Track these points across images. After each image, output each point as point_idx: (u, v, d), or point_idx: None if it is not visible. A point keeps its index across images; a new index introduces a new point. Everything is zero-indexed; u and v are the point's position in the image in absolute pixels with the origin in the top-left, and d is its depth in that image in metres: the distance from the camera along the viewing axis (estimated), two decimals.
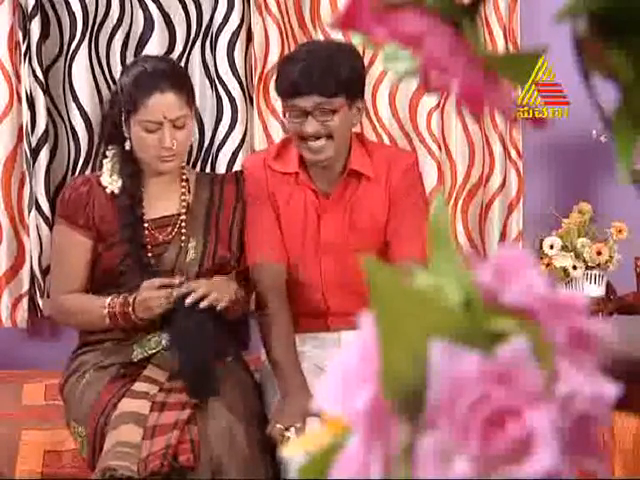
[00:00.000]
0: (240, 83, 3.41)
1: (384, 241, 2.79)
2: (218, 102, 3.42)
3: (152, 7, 3.40)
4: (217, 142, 3.44)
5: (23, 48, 3.30)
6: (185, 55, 3.45)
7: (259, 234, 2.78)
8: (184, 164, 2.84)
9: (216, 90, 3.42)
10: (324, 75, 2.62)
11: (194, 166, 3.37)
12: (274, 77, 2.79)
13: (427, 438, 0.54)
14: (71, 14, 3.36)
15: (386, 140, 3.46)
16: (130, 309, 2.60)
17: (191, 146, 2.88)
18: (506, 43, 3.49)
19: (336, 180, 2.78)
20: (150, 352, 2.66)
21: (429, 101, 3.43)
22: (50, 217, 3.29)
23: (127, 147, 2.69)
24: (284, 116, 2.71)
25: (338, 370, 0.58)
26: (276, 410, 2.64)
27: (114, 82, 3.39)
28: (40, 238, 3.34)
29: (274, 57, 3.39)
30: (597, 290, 3.28)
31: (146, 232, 2.72)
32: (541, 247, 3.28)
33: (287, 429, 2.56)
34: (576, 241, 3.27)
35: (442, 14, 0.62)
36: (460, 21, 0.62)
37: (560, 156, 3.61)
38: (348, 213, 2.78)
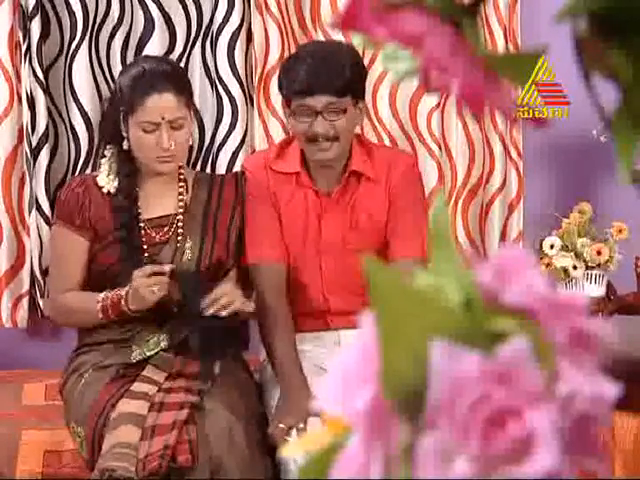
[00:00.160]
0: (240, 83, 3.41)
1: (384, 241, 2.79)
2: (218, 102, 3.42)
3: (152, 7, 3.40)
4: (217, 142, 3.44)
5: (23, 48, 3.30)
6: (185, 55, 3.45)
7: (259, 233, 2.78)
8: (182, 164, 2.84)
9: (216, 90, 3.42)
10: (333, 75, 2.63)
11: (194, 166, 3.37)
12: (278, 78, 2.78)
13: (427, 438, 0.54)
14: (71, 14, 3.36)
15: (386, 140, 3.46)
16: (123, 301, 2.61)
17: (191, 146, 2.87)
18: (506, 43, 3.49)
19: (337, 180, 2.78)
20: (149, 353, 2.66)
21: (429, 101, 3.43)
22: (50, 217, 3.29)
23: (125, 147, 2.69)
24: (292, 116, 2.70)
25: (338, 370, 0.58)
26: (277, 411, 2.64)
27: (114, 82, 3.40)
28: (40, 238, 3.34)
29: (274, 57, 3.39)
30: (597, 290, 3.27)
31: (142, 232, 2.73)
32: (541, 247, 3.28)
33: (289, 430, 2.56)
34: (576, 241, 3.27)
35: (442, 14, 0.62)
36: (460, 21, 0.62)
37: (560, 156, 3.60)
38: (349, 213, 2.79)
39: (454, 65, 0.61)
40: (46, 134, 3.32)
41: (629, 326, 2.85)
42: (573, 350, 0.57)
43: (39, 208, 3.32)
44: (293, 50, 3.43)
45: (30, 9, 3.28)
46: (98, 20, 3.40)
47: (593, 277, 3.28)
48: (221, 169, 3.40)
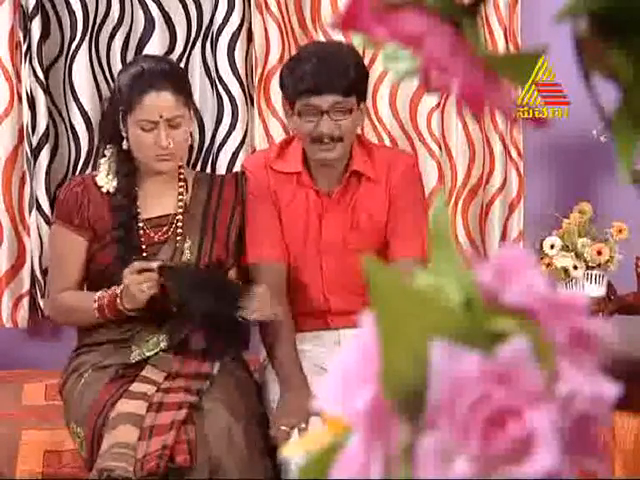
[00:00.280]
0: (240, 83, 3.41)
1: (384, 241, 2.79)
2: (218, 102, 3.42)
3: (152, 7, 3.40)
4: (217, 142, 3.44)
5: (24, 48, 3.30)
6: (185, 55, 3.45)
7: (260, 233, 2.78)
8: (182, 164, 2.84)
9: (216, 90, 3.42)
10: (340, 74, 2.63)
11: (194, 166, 3.37)
12: (281, 77, 2.76)
13: (427, 438, 0.54)
14: (72, 14, 3.36)
15: (386, 140, 3.46)
16: (118, 300, 2.61)
17: (191, 146, 2.88)
18: (506, 43, 3.49)
19: (338, 180, 2.79)
20: (148, 353, 2.66)
21: (429, 101, 3.43)
22: (51, 217, 3.29)
23: (125, 146, 2.69)
24: (297, 116, 2.69)
25: (338, 370, 0.58)
26: (278, 411, 2.64)
27: (114, 82, 3.40)
28: (41, 238, 3.34)
29: (275, 57, 3.39)
30: (597, 290, 3.27)
31: (141, 232, 2.73)
32: (541, 247, 3.28)
33: (291, 430, 2.57)
34: (576, 241, 3.27)
35: (442, 14, 0.62)
36: (460, 21, 0.62)
37: (561, 156, 3.60)
38: (349, 213, 2.79)
39: (454, 65, 0.61)
40: (46, 134, 3.32)
41: (629, 326, 2.86)
42: (573, 350, 0.57)
43: (39, 208, 3.32)
44: (293, 50, 3.43)
45: (30, 9, 3.28)
46: (98, 20, 3.40)
47: (593, 277, 3.28)
48: (221, 169, 3.40)
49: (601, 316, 3.11)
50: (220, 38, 3.39)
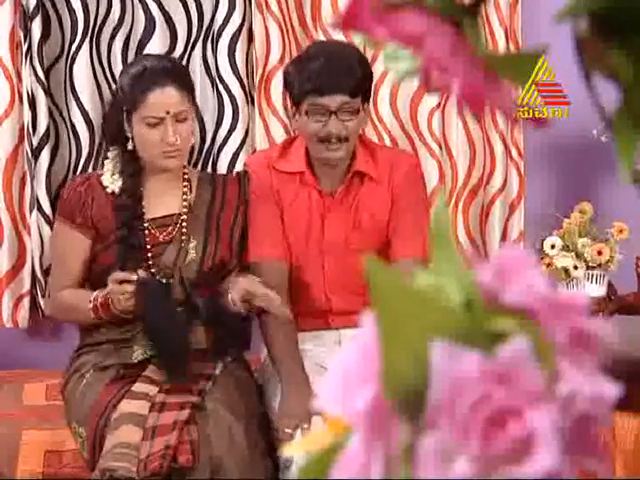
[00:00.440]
0: (241, 83, 3.41)
1: (386, 241, 2.79)
2: (219, 102, 3.42)
3: (153, 7, 3.40)
4: (218, 142, 3.44)
5: (24, 48, 3.30)
6: (186, 55, 3.45)
7: (262, 232, 2.78)
8: (185, 164, 2.84)
9: (217, 90, 3.42)
10: (347, 75, 2.63)
11: (195, 166, 3.37)
12: (287, 77, 2.75)
13: (428, 438, 0.54)
14: (72, 14, 3.36)
15: (387, 140, 3.46)
16: (110, 301, 2.61)
17: (192, 146, 2.88)
18: (507, 43, 3.49)
19: (340, 180, 2.78)
20: (150, 353, 2.66)
21: (430, 101, 3.43)
22: (51, 217, 3.29)
23: (130, 147, 2.69)
24: (305, 115, 2.68)
25: (339, 370, 0.58)
26: (280, 411, 2.64)
27: (115, 82, 3.39)
28: (41, 238, 3.34)
29: (275, 57, 3.39)
30: (598, 290, 3.27)
31: (146, 232, 2.73)
32: (542, 247, 3.28)
33: (294, 430, 2.57)
34: (577, 241, 3.27)
35: (443, 14, 0.62)
36: (461, 21, 0.62)
37: (561, 156, 3.60)
38: (352, 213, 2.79)
39: (455, 65, 0.61)
40: (47, 134, 3.32)
41: (629, 326, 2.86)
42: (573, 350, 0.57)
43: (40, 208, 3.32)
44: (294, 50, 3.43)
45: (31, 9, 3.28)
46: (99, 20, 3.40)
47: (594, 277, 3.28)
48: (222, 169, 3.40)
49: (601, 316, 3.11)
50: (221, 38, 3.39)
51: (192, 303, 2.65)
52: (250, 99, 3.43)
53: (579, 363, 0.56)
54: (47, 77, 3.34)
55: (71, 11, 3.36)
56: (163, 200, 2.76)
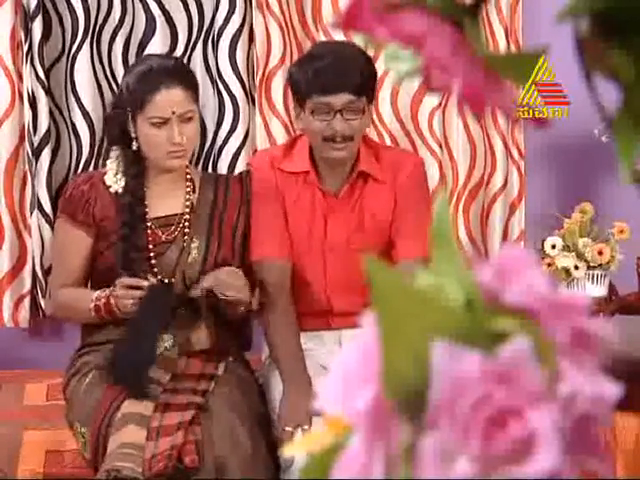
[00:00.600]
0: (242, 83, 3.41)
1: (389, 241, 2.79)
2: (220, 102, 3.43)
3: (154, 7, 3.40)
4: (219, 142, 3.44)
5: (25, 48, 3.30)
6: (187, 55, 3.45)
7: (264, 231, 2.77)
8: (188, 163, 2.84)
9: (218, 90, 3.42)
10: (353, 74, 2.62)
11: (195, 166, 3.37)
12: (292, 76, 2.74)
13: (428, 438, 0.54)
14: (73, 14, 3.36)
15: (387, 140, 3.46)
16: (113, 301, 2.61)
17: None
18: (508, 43, 3.49)
19: (344, 181, 2.78)
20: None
21: (431, 101, 3.43)
22: (52, 217, 3.29)
23: (134, 147, 2.68)
24: (310, 114, 2.67)
25: (339, 370, 0.58)
26: (281, 411, 2.64)
27: (116, 82, 3.40)
28: (42, 238, 3.34)
29: (276, 57, 3.40)
30: (599, 290, 3.28)
31: (149, 231, 2.72)
32: (543, 247, 3.28)
33: (294, 430, 2.57)
34: (578, 241, 3.27)
35: (443, 14, 0.62)
36: (461, 21, 0.62)
37: (562, 156, 3.61)
38: (355, 214, 2.79)
39: (455, 65, 0.61)
40: (48, 134, 3.33)
41: (630, 326, 2.85)
42: (574, 350, 0.57)
43: (41, 208, 3.32)
44: (295, 50, 3.43)
45: (32, 9, 3.28)
46: (100, 20, 3.40)
47: (594, 277, 3.28)
48: (223, 169, 3.40)
49: (602, 316, 3.11)
50: (221, 38, 3.39)
51: (193, 303, 2.65)
52: (251, 99, 3.44)
53: (580, 363, 0.57)
54: (48, 77, 3.35)
55: (72, 11, 3.37)
56: (166, 200, 2.76)
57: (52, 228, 3.26)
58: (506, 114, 0.64)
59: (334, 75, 2.62)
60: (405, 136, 3.50)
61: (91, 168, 3.35)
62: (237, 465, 2.49)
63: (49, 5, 3.38)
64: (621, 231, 3.28)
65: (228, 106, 3.41)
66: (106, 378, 2.58)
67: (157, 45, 3.40)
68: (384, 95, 3.48)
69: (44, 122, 3.31)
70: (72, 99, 3.38)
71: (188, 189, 2.79)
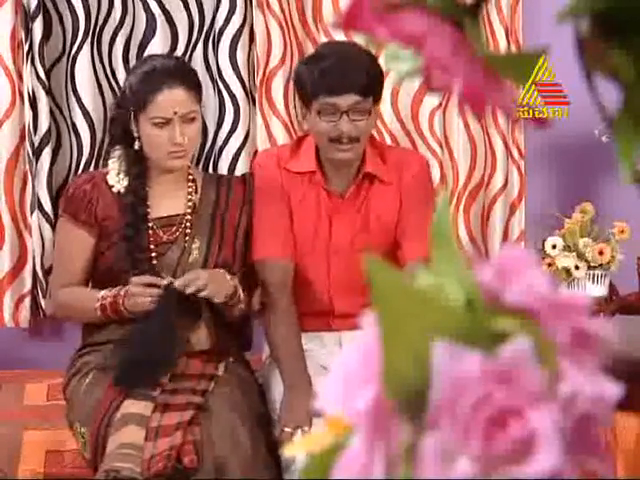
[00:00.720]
0: (242, 83, 3.41)
1: (394, 243, 2.78)
2: (220, 102, 3.43)
3: (154, 7, 3.40)
4: (219, 142, 3.44)
5: (25, 48, 3.30)
6: (187, 55, 3.45)
7: (268, 230, 2.76)
8: (190, 164, 2.84)
9: (218, 90, 3.42)
10: (359, 74, 2.61)
11: (196, 166, 3.37)
12: (298, 76, 2.72)
13: (429, 438, 0.54)
14: (73, 14, 3.36)
15: (388, 140, 3.46)
16: (120, 300, 2.61)
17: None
18: (508, 43, 3.49)
19: (350, 182, 2.77)
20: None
21: (431, 101, 3.43)
22: (52, 217, 3.29)
23: (137, 147, 2.68)
24: (317, 115, 2.65)
25: (340, 370, 0.58)
26: (282, 412, 2.64)
27: (116, 82, 3.40)
28: (42, 238, 3.34)
29: (276, 57, 3.39)
30: (599, 290, 3.28)
31: (150, 231, 2.72)
32: (543, 247, 3.28)
33: (294, 430, 2.56)
34: (578, 241, 3.27)
35: (443, 14, 0.62)
36: (462, 21, 0.62)
37: (562, 156, 3.61)
38: (361, 215, 2.78)
39: (456, 65, 0.61)
40: (48, 134, 3.33)
41: (630, 326, 2.85)
42: (574, 350, 0.57)
43: (41, 208, 3.32)
44: (295, 50, 3.43)
45: (32, 9, 3.28)
46: (100, 20, 3.40)
47: (595, 277, 3.28)
48: (223, 169, 3.40)
49: (602, 316, 3.11)
50: (222, 38, 3.39)
51: (194, 303, 2.65)
52: (251, 99, 3.44)
53: (580, 363, 0.57)
54: (48, 77, 3.35)
55: (72, 11, 3.37)
56: (168, 200, 2.76)
57: (52, 228, 3.26)
58: (506, 114, 0.64)
59: (340, 76, 2.61)
60: (405, 136, 3.50)
61: (91, 168, 3.35)
62: (237, 465, 2.49)
63: (49, 5, 3.38)
64: (621, 231, 3.28)
65: (229, 106, 3.41)
66: (118, 380, 2.56)
67: (157, 45, 3.40)
68: (384, 95, 3.47)
69: (44, 122, 3.31)
70: (72, 99, 3.38)
71: (190, 189, 2.79)
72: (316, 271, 2.80)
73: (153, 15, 3.40)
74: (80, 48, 3.35)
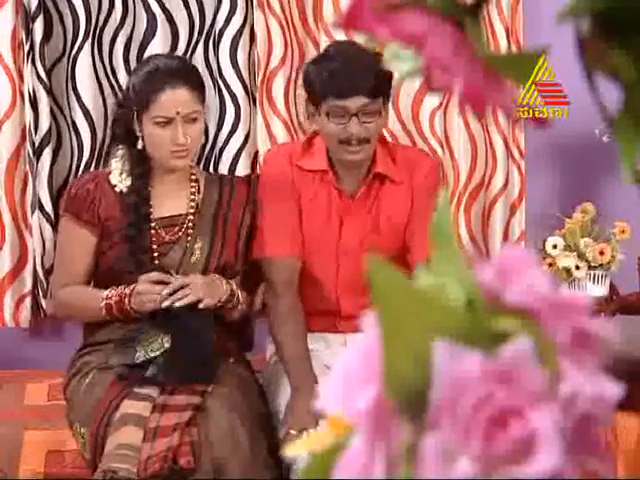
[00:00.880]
0: (243, 83, 3.41)
1: (404, 245, 2.77)
2: (221, 102, 3.42)
3: (155, 7, 3.40)
4: (220, 142, 3.44)
5: (26, 48, 3.30)
6: (188, 55, 3.45)
7: (276, 227, 2.75)
8: (193, 164, 2.84)
9: (219, 90, 3.42)
10: (367, 76, 2.60)
11: (197, 165, 3.37)
12: (307, 77, 2.71)
13: (429, 438, 0.54)
14: (74, 14, 3.36)
15: (388, 139, 3.45)
16: (126, 299, 2.61)
17: None
18: (509, 43, 3.49)
19: (361, 182, 2.76)
20: (152, 354, 2.66)
21: (432, 101, 3.43)
22: (53, 217, 3.29)
23: (139, 146, 2.68)
24: (326, 117, 2.64)
25: (341, 370, 0.58)
26: (288, 413, 2.62)
27: (117, 82, 3.40)
28: (43, 238, 3.34)
29: (277, 57, 3.39)
30: (600, 290, 3.27)
31: (152, 231, 2.72)
32: (544, 247, 3.28)
33: (299, 433, 2.56)
34: (579, 241, 3.27)
35: (444, 14, 0.62)
36: (462, 21, 0.62)
37: (563, 156, 3.60)
38: (371, 216, 2.77)
39: (456, 65, 0.61)
40: (49, 134, 3.33)
41: (631, 326, 2.85)
42: (575, 350, 0.57)
43: (42, 208, 3.32)
44: (296, 50, 3.43)
45: (33, 9, 3.28)
46: (101, 20, 3.40)
47: (596, 277, 3.28)
48: (224, 169, 3.40)
49: (603, 316, 3.11)
50: (222, 38, 3.39)
51: (194, 303, 2.65)
52: (252, 99, 3.43)
53: (581, 363, 0.56)
54: (49, 77, 3.35)
55: (73, 11, 3.37)
56: (171, 200, 2.76)
57: (53, 228, 3.26)
58: (507, 114, 0.64)
59: (348, 78, 2.59)
60: (406, 136, 3.50)
61: (92, 168, 3.35)
62: (237, 466, 2.49)
63: (50, 5, 3.38)
64: (622, 231, 3.28)
65: (229, 106, 3.41)
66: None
67: (158, 45, 3.40)
68: None
69: (45, 122, 3.31)
70: (73, 99, 3.38)
71: (193, 189, 2.79)
72: (324, 271, 2.79)
73: (154, 15, 3.40)
74: (81, 48, 3.35)
